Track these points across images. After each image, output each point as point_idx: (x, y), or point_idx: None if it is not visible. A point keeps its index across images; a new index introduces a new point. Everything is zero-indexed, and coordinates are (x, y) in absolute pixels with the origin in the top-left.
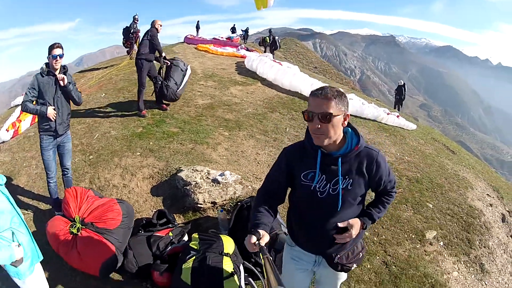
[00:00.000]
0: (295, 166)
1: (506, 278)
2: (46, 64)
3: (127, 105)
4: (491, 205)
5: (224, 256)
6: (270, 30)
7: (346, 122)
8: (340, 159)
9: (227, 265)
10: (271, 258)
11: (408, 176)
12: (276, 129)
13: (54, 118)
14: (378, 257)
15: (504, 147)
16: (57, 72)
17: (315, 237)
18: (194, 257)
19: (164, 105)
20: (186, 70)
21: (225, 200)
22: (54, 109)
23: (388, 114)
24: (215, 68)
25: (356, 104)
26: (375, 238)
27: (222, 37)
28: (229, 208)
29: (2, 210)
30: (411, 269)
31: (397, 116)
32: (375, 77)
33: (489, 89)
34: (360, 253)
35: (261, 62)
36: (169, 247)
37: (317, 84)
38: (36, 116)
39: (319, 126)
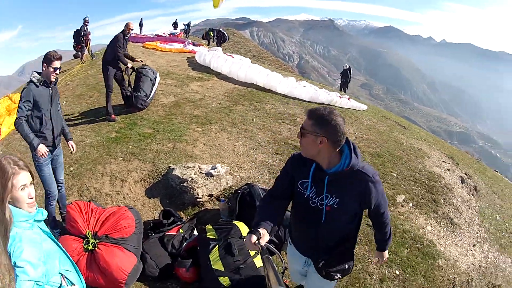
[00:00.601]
0: (296, 173)
1: (476, 228)
2: (39, 72)
3: (92, 111)
4: (448, 170)
5: (244, 239)
6: (218, 30)
7: (321, 145)
8: (327, 177)
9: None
10: (271, 258)
11: (370, 152)
12: (243, 120)
13: (43, 157)
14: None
15: (451, 118)
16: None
17: (305, 240)
18: (217, 246)
19: (114, 116)
20: (155, 79)
21: (220, 191)
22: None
23: (339, 97)
24: (169, 66)
25: (311, 90)
26: None
27: (164, 33)
28: (223, 198)
29: (48, 251)
30: (392, 227)
31: (348, 99)
32: (314, 61)
33: (433, 65)
34: (346, 265)
35: (214, 57)
36: (184, 244)
37: (272, 75)
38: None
39: (299, 138)
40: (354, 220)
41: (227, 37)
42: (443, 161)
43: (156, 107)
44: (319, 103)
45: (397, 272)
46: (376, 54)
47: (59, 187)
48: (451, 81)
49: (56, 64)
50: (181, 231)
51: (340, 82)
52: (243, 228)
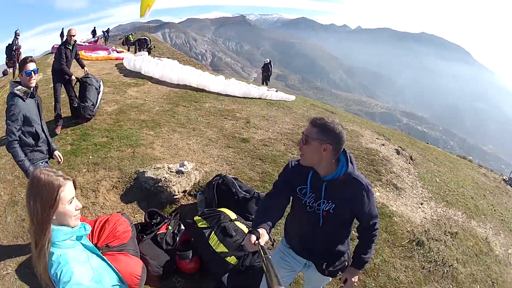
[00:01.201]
0: (294, 179)
1: (420, 190)
2: (18, 82)
3: None
4: (383, 145)
5: (235, 221)
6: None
7: (325, 152)
8: (324, 184)
9: (241, 226)
10: (270, 257)
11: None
12: (189, 120)
13: None
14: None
15: (371, 100)
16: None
17: (306, 245)
18: (213, 232)
19: (58, 127)
20: (99, 87)
21: (191, 186)
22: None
23: (268, 90)
24: (100, 74)
25: (243, 87)
26: None
27: (83, 42)
28: (200, 191)
29: (97, 269)
30: None
31: (276, 91)
32: (227, 57)
33: (349, 52)
34: (346, 262)
35: (144, 61)
36: (177, 238)
37: (205, 75)
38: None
39: (301, 146)
40: (348, 224)
41: (149, 42)
42: (376, 138)
43: (102, 116)
44: (251, 98)
45: None
46: (289, 45)
47: None
48: (369, 65)
49: (30, 66)
50: (169, 227)
51: (262, 76)
52: (229, 213)
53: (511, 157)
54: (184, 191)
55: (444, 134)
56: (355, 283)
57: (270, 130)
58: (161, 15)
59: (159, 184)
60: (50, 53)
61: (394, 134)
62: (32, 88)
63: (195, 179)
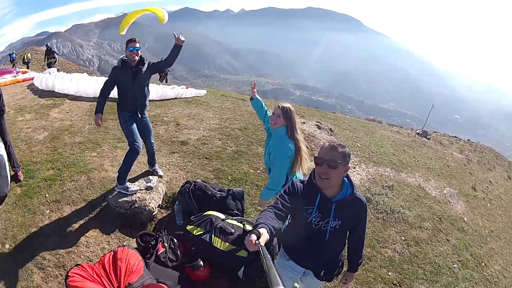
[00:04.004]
0: (300, 199)
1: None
2: None
3: None
4: (304, 123)
5: (227, 220)
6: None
7: (345, 173)
8: (334, 205)
9: (234, 222)
10: (270, 257)
11: (238, 127)
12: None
13: None
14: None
15: (261, 79)
16: None
17: (310, 257)
18: (213, 235)
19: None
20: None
21: (162, 199)
22: None
23: (181, 88)
24: (15, 99)
25: (159, 89)
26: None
27: None
28: (166, 204)
29: None
30: None
31: (187, 87)
32: (113, 59)
33: (233, 35)
34: (341, 268)
35: (57, 78)
36: (178, 253)
37: None
38: None
39: (326, 170)
40: (345, 236)
41: (56, 54)
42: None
43: (36, 146)
44: (169, 99)
45: None
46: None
47: None
48: (254, 46)
49: None
50: (165, 244)
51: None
52: (217, 214)
53: (414, 109)
54: (159, 206)
55: (340, 100)
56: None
57: (201, 128)
58: (47, 26)
59: (135, 205)
60: None
61: (304, 110)
62: None
63: (162, 190)
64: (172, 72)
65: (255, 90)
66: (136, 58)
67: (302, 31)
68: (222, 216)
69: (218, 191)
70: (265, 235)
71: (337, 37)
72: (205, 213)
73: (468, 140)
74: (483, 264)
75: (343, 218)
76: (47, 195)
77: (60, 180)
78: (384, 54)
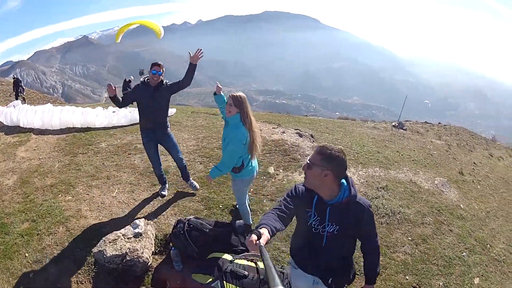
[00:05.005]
0: (301, 201)
1: None
2: None
3: None
4: (283, 132)
5: (236, 260)
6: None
7: (326, 177)
8: (329, 208)
9: (244, 262)
10: (268, 257)
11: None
12: (96, 168)
13: None
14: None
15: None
16: None
17: (309, 261)
18: (225, 281)
19: None
20: None
21: (154, 244)
22: None
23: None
24: None
25: (128, 113)
26: None
27: None
28: (162, 249)
29: None
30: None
31: None
32: (76, 84)
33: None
34: (351, 275)
35: (21, 112)
36: None
37: (86, 112)
38: None
39: (305, 171)
40: (350, 243)
41: (22, 86)
42: (272, 128)
43: (7, 194)
44: (137, 123)
45: None
46: (135, 55)
47: None
48: (214, 56)
49: None
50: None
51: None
52: (223, 256)
53: (378, 101)
54: (153, 252)
55: (304, 100)
56: None
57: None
58: (10, 56)
59: (127, 258)
60: None
61: (278, 117)
62: None
63: (152, 233)
64: None
65: (220, 88)
66: (157, 82)
67: (261, 35)
68: (229, 257)
69: (216, 226)
70: (265, 235)
71: (296, 36)
72: (209, 257)
73: (439, 123)
74: (488, 246)
75: (340, 223)
76: (26, 255)
77: (37, 235)
78: (344, 49)
